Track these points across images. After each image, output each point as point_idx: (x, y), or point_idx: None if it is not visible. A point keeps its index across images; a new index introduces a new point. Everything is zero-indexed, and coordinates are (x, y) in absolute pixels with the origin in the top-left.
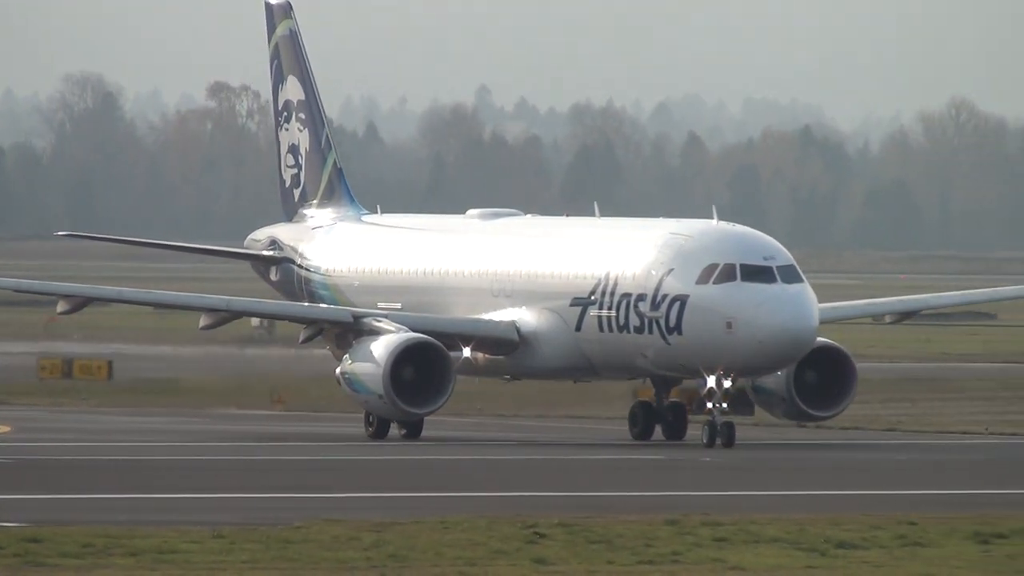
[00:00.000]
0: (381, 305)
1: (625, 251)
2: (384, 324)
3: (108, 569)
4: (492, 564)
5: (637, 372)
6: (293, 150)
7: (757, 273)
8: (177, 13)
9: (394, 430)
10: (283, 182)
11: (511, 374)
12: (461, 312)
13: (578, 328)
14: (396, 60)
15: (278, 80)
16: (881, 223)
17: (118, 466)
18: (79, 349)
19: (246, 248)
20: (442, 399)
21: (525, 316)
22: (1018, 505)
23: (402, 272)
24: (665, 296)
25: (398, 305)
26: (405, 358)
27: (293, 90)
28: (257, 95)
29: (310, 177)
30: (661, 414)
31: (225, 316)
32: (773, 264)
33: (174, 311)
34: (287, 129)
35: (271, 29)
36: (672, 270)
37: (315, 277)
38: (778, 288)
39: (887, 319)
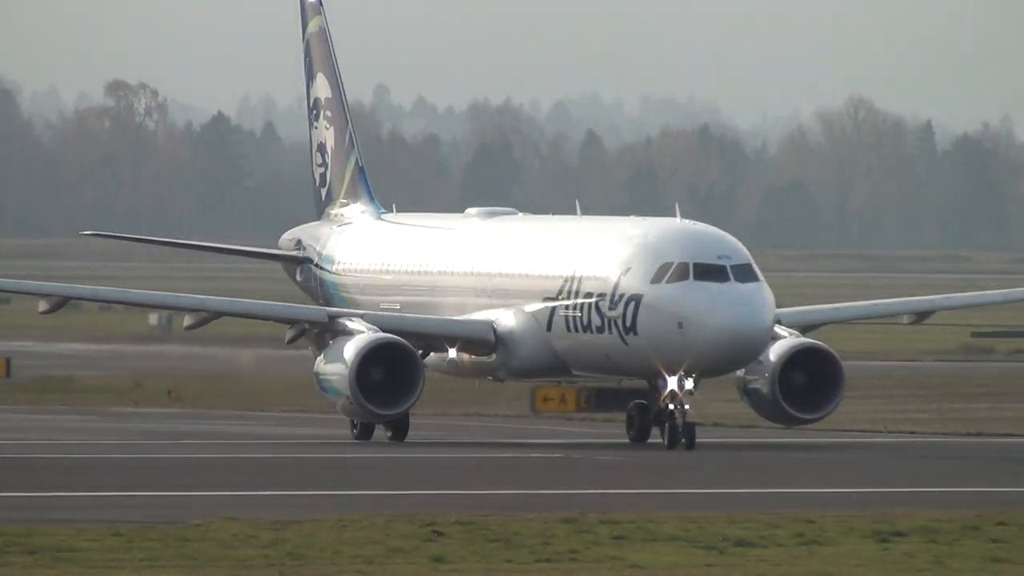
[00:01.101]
0: (383, 305)
1: (590, 250)
2: (356, 324)
3: (6, 568)
4: (390, 562)
5: (609, 373)
6: (321, 148)
7: (710, 272)
8: (75, 11)
9: (380, 432)
10: (313, 181)
11: (493, 375)
12: (452, 312)
13: (549, 328)
14: (293, 58)
15: (309, 77)
16: (779, 222)
17: (15, 464)
18: None
19: (277, 248)
20: (410, 400)
21: (503, 316)
22: (916, 503)
23: (400, 272)
24: (622, 296)
25: (397, 305)
26: (372, 359)
27: (322, 87)
28: (155, 93)
29: (335, 176)
30: (659, 415)
31: (206, 316)
32: (727, 263)
33: (73, 309)
34: (316, 127)
35: (304, 25)
36: (629, 269)
37: (328, 277)
38: (729, 287)
39: (904, 319)
